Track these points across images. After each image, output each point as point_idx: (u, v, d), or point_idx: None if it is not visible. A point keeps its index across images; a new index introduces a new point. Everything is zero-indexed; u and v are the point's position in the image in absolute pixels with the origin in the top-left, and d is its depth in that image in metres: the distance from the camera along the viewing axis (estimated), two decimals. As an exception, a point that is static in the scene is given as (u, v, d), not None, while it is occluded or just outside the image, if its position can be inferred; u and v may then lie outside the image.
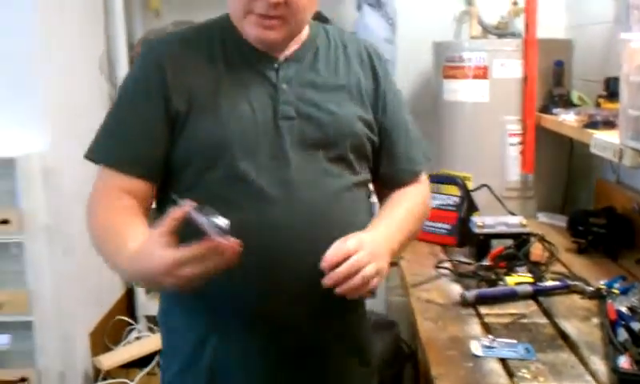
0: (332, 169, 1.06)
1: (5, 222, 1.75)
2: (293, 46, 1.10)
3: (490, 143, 1.98)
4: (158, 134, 1.03)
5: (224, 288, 1.00)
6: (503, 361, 1.10)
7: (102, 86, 2.31)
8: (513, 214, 1.71)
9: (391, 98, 1.15)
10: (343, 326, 1.11)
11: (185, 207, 0.89)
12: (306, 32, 1.12)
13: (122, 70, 2.31)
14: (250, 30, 1.05)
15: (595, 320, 1.24)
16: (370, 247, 1.00)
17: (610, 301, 1.23)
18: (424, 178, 1.20)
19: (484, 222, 1.55)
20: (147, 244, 0.92)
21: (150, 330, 2.35)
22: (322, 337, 1.08)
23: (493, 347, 1.14)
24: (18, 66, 1.86)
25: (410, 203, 1.14)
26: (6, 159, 1.75)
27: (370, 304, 1.21)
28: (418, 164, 1.17)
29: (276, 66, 1.08)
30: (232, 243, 0.87)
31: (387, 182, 1.16)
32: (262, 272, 1.01)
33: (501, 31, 2.24)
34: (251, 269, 0.98)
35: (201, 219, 0.87)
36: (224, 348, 1.06)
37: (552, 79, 1.95)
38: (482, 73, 1.98)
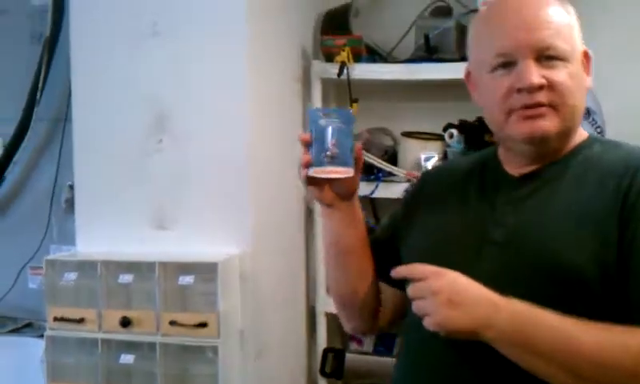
0: None
1: (203, 325, 1.80)
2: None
3: None
4: (391, 236, 1.17)
5: None
6: None
7: (300, 190, 2.37)
8: None
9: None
10: None
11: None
12: (574, 142, 1.00)
13: (316, 175, 2.36)
14: (517, 130, 0.97)
15: None
16: (449, 287, 0.87)
17: None
18: None
19: None
20: None
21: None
22: None
23: None
24: (227, 173, 1.96)
25: (606, 331, 0.84)
26: (210, 264, 1.82)
27: None
28: None
29: (510, 184, 1.00)
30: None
31: None
32: None
33: None
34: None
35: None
36: None
37: None
38: None
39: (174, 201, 1.99)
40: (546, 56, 0.95)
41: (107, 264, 1.88)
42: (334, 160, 1.02)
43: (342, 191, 1.10)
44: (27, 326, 2.20)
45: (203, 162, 1.97)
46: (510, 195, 0.99)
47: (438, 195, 1.11)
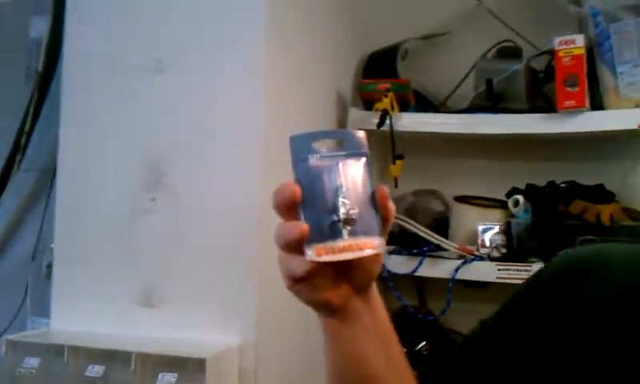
0: None
1: (184, 439, 1.41)
2: None
3: None
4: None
5: None
6: None
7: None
8: None
9: None
10: None
11: None
12: None
13: (351, 244, 1.96)
14: None
15: None
16: None
17: None
18: None
19: None
20: None
21: None
22: None
23: None
24: (231, 244, 1.60)
25: None
26: (196, 360, 1.44)
27: None
28: None
29: None
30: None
31: None
32: None
33: None
34: None
35: None
36: None
37: None
38: None
39: (166, 274, 1.63)
40: None
41: (76, 350, 1.53)
42: (354, 225, 0.62)
43: (362, 279, 0.66)
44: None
45: (203, 229, 1.61)
46: None
47: (587, 333, 0.64)
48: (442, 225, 1.98)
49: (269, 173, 1.66)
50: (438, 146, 2.08)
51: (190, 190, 1.63)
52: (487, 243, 1.86)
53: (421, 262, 1.83)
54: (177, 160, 1.64)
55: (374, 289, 0.69)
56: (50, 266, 1.84)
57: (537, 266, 1.73)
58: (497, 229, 1.86)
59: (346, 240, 0.62)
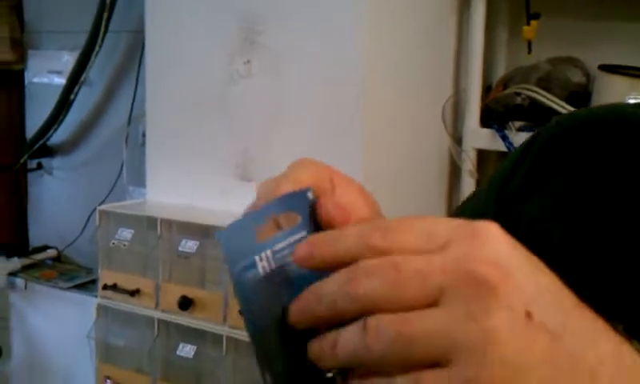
0: None
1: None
2: None
3: None
4: None
5: None
6: None
7: (442, 140, 1.76)
8: None
9: None
10: None
11: None
12: None
13: (472, 119, 1.73)
14: None
15: None
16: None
17: None
18: None
19: None
20: None
21: None
22: None
23: None
24: (332, 110, 1.42)
25: None
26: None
27: None
28: None
29: None
30: None
31: None
32: None
33: None
34: None
35: None
36: None
37: None
38: None
39: (264, 145, 1.49)
40: None
41: (169, 224, 1.44)
42: None
43: None
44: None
45: (304, 98, 1.44)
46: None
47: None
48: (580, 99, 1.69)
49: (375, 40, 1.44)
50: (582, 3, 1.74)
51: (288, 53, 1.44)
52: None
53: (555, 141, 1.57)
54: (273, 18, 1.45)
55: None
56: (145, 135, 1.75)
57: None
58: (652, 104, 1.55)
59: None
